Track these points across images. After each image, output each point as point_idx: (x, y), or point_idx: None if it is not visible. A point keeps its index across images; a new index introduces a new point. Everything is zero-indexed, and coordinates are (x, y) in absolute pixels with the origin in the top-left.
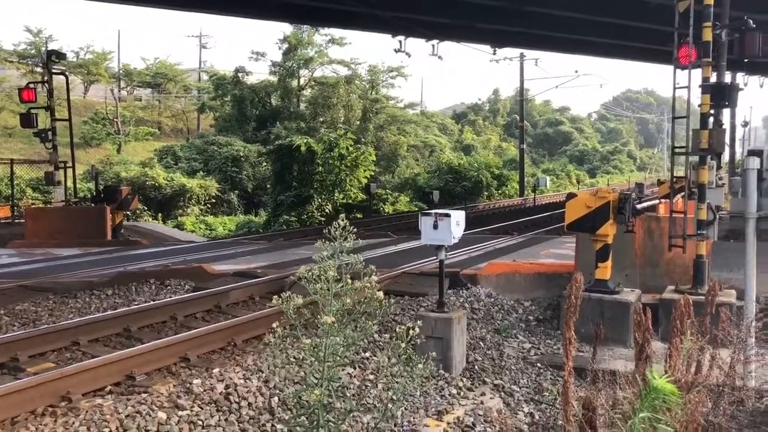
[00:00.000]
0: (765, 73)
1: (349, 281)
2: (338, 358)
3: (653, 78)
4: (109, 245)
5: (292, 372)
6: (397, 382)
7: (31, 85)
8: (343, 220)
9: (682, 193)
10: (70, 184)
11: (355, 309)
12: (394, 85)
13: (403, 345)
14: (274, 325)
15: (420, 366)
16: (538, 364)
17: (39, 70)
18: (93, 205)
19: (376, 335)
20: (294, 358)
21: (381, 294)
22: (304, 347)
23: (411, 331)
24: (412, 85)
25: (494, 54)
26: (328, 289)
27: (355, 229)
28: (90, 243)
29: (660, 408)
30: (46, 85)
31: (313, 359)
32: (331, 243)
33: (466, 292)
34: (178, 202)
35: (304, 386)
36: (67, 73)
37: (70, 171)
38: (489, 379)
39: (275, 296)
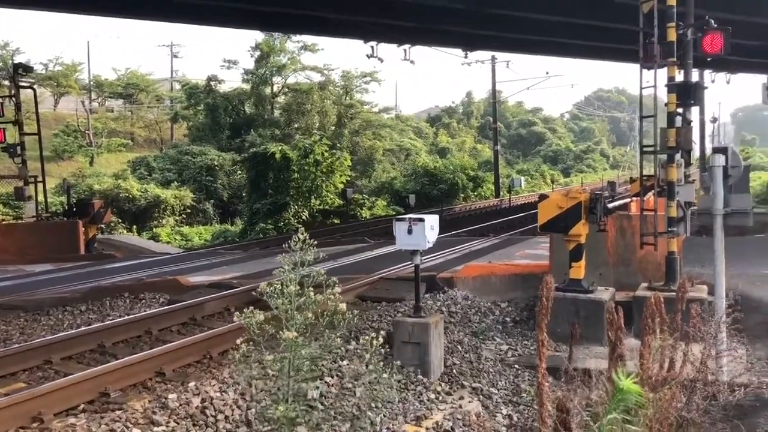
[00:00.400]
0: (731, 70)
1: (312, 295)
2: (303, 373)
3: (624, 77)
4: (82, 260)
5: (269, 384)
6: (375, 389)
7: None
8: (302, 233)
9: (653, 191)
10: (41, 198)
11: (319, 322)
12: (368, 90)
13: (368, 356)
14: (238, 341)
15: (385, 375)
16: (516, 366)
17: (6, 83)
18: (65, 219)
19: (354, 343)
20: (271, 369)
21: (344, 306)
22: (268, 363)
23: (375, 341)
24: (386, 89)
25: (466, 57)
26: (290, 303)
27: (315, 242)
28: (62, 258)
29: (632, 407)
30: (14, 99)
31: (278, 374)
32: (292, 256)
33: (443, 295)
34: (153, 213)
35: (270, 402)
36: (35, 86)
37: (40, 185)
38: (467, 382)
39: (236, 313)
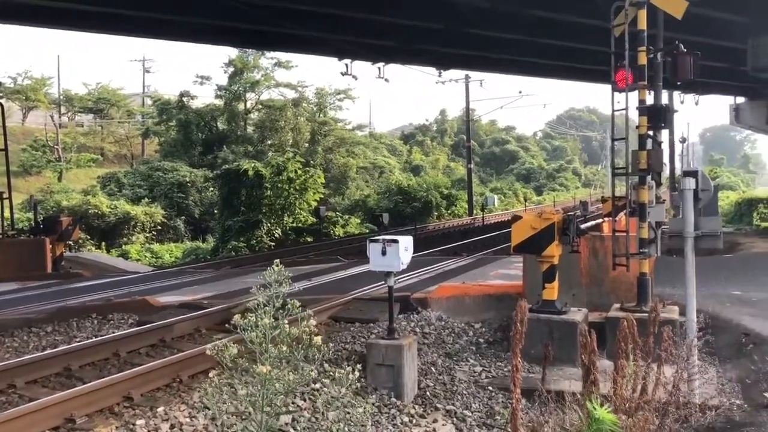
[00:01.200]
0: (700, 92)
1: (287, 327)
2: (276, 407)
3: (595, 97)
4: (49, 278)
5: (240, 408)
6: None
7: None
8: (278, 265)
9: (624, 211)
10: (7, 215)
11: (293, 355)
12: (342, 108)
13: (343, 390)
14: (211, 374)
15: (360, 410)
16: (490, 387)
17: None
18: (32, 236)
19: (326, 365)
20: (242, 405)
21: (319, 339)
22: (240, 398)
23: (351, 376)
24: (360, 107)
25: (440, 76)
26: (264, 336)
27: (290, 274)
28: (29, 277)
29: None
30: None
31: (250, 409)
32: (267, 287)
33: (416, 316)
34: (123, 230)
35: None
36: (2, 101)
37: (6, 201)
38: (441, 404)
39: (208, 346)
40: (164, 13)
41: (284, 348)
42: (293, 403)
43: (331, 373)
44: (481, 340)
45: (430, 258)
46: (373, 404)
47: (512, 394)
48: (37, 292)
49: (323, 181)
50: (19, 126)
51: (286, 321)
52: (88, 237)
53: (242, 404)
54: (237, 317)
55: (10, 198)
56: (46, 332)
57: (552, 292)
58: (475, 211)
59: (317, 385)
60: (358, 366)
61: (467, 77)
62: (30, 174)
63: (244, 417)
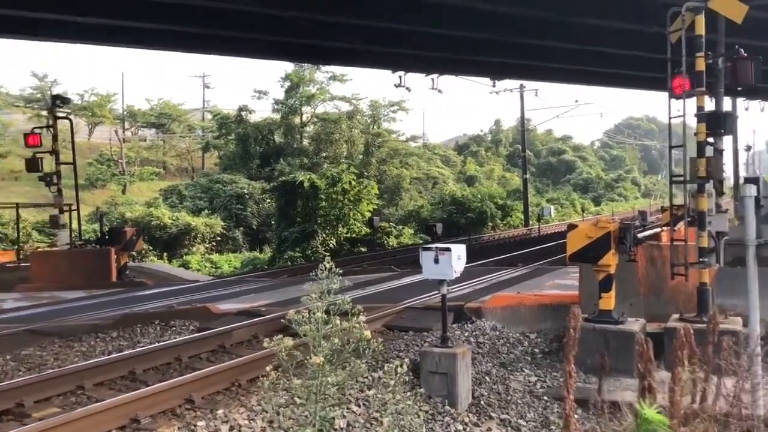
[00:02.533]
0: (765, 98)
1: (338, 322)
2: (330, 398)
3: (655, 105)
4: (114, 287)
5: (297, 412)
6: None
7: (37, 130)
8: (329, 262)
9: (684, 221)
10: (75, 226)
11: (345, 349)
12: (395, 119)
13: (392, 383)
14: (267, 368)
15: (409, 402)
16: (545, 398)
17: (44, 114)
18: (98, 246)
19: (380, 372)
20: (298, 398)
21: (368, 333)
22: (295, 388)
23: (399, 369)
24: (413, 118)
25: (494, 86)
26: (317, 330)
27: (341, 270)
28: (95, 285)
29: None
30: (51, 129)
31: (306, 399)
32: (319, 284)
33: (470, 325)
34: (183, 241)
35: (299, 426)
36: (71, 117)
37: (75, 213)
38: (495, 413)
39: (266, 339)
40: (228, 31)
41: (336, 341)
42: (348, 408)
43: (385, 380)
44: (537, 351)
45: (484, 268)
46: (426, 411)
47: (565, 401)
48: (103, 299)
49: (377, 192)
50: (86, 141)
51: (337, 317)
52: (151, 248)
53: (298, 395)
54: (292, 312)
55: (78, 210)
56: (111, 337)
57: (608, 301)
58: (531, 222)
59: (371, 392)
60: (406, 360)
61: (522, 87)
62: (96, 187)
63: (299, 406)
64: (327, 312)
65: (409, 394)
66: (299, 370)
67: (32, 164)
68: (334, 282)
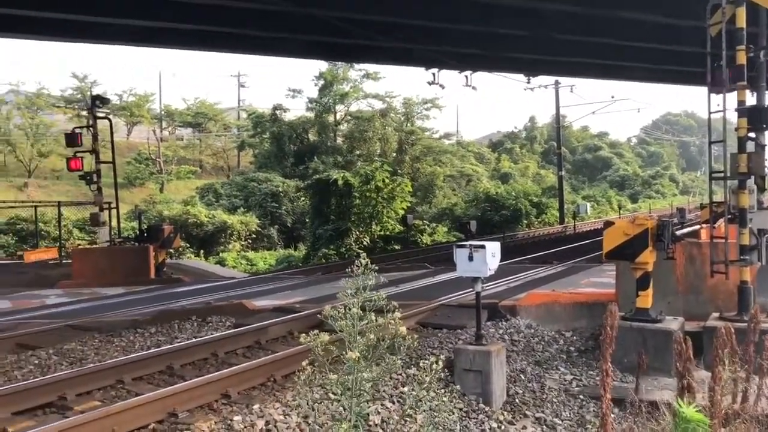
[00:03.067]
0: None
1: (373, 318)
2: (365, 393)
3: (693, 100)
4: (152, 283)
5: (331, 408)
6: (436, 416)
7: (77, 130)
8: (364, 258)
9: (724, 218)
10: (114, 224)
11: (380, 345)
12: (429, 117)
13: (428, 379)
14: (303, 363)
15: (445, 399)
16: (581, 396)
17: (84, 114)
18: (137, 244)
19: (414, 369)
20: (333, 393)
21: (404, 330)
22: (332, 383)
23: (435, 366)
24: (447, 115)
25: (528, 82)
26: (353, 326)
27: (376, 267)
28: (134, 282)
29: None
30: (91, 129)
31: (341, 394)
32: (354, 280)
33: (505, 323)
34: (220, 238)
35: (333, 422)
36: (110, 117)
37: (114, 211)
38: (530, 412)
39: (302, 335)
40: (263, 31)
41: (371, 336)
42: (382, 404)
43: (419, 377)
44: (572, 349)
45: (518, 266)
46: (460, 409)
47: (602, 399)
48: (141, 295)
49: (410, 190)
50: (124, 140)
51: (372, 313)
52: (188, 245)
53: (333, 389)
54: (328, 308)
55: (117, 208)
56: (150, 333)
57: (646, 300)
58: (566, 220)
59: (405, 389)
60: (442, 357)
61: (557, 83)
62: (134, 185)
63: (334, 401)
64: (363, 308)
65: (443, 391)
66: (334, 365)
67: (73, 163)
68: (370, 278)
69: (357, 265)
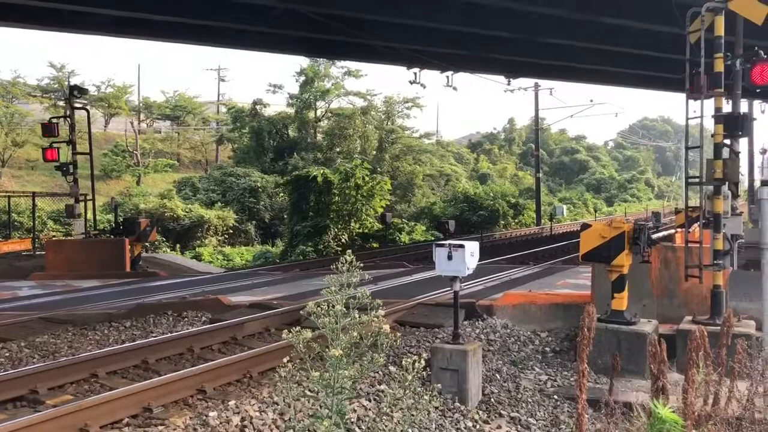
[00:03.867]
0: None
1: (357, 315)
2: (346, 391)
3: (670, 106)
4: (127, 277)
5: (307, 405)
6: (413, 415)
7: (54, 120)
8: (350, 255)
9: (698, 223)
10: (90, 216)
11: (363, 342)
12: (409, 116)
13: (410, 377)
14: (285, 359)
15: (426, 398)
16: (555, 396)
17: (62, 104)
18: (112, 237)
19: (391, 367)
20: (309, 391)
21: (387, 327)
22: (313, 380)
23: (416, 364)
24: (427, 115)
25: (509, 84)
26: (336, 323)
27: (361, 264)
28: (109, 275)
29: None
30: (68, 119)
31: (322, 392)
32: (339, 277)
33: (482, 323)
34: (196, 233)
35: (314, 419)
36: (88, 108)
37: (90, 203)
38: (505, 411)
39: (284, 331)
40: (244, 24)
41: (355, 334)
42: (359, 402)
43: (396, 376)
44: (548, 349)
45: (495, 266)
46: (436, 408)
47: (578, 400)
48: (116, 289)
49: (390, 188)
50: (102, 132)
51: (355, 311)
52: (164, 239)
53: (315, 387)
54: (311, 304)
55: (93, 200)
56: (125, 327)
57: (621, 302)
58: (543, 221)
59: (382, 387)
60: (424, 355)
61: (537, 85)
62: (110, 178)
63: (316, 399)
64: (346, 306)
65: (420, 390)
66: (314, 362)
67: (49, 154)
68: (354, 276)
69: (342, 262)
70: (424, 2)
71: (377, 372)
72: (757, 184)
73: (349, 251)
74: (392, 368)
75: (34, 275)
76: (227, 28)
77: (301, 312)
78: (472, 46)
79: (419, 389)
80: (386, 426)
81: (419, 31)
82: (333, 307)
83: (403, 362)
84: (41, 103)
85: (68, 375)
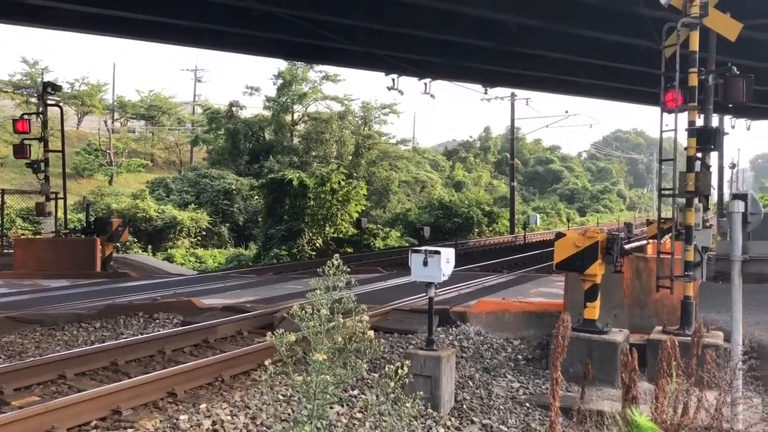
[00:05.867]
0: (752, 116)
1: (341, 320)
2: (327, 396)
3: (643, 119)
4: (98, 277)
5: (280, 409)
6: (384, 421)
7: (26, 116)
8: (337, 259)
9: (670, 234)
10: (60, 214)
11: (346, 347)
12: (386, 122)
13: (392, 384)
14: (266, 362)
15: (408, 405)
16: (527, 404)
17: (34, 100)
18: (83, 236)
19: (365, 373)
20: (282, 395)
21: (372, 333)
22: (295, 384)
23: (400, 370)
24: (404, 121)
25: (486, 93)
26: (321, 326)
27: (348, 269)
28: (79, 274)
29: None
30: (41, 116)
31: (303, 396)
32: (324, 280)
33: (455, 329)
34: (169, 234)
35: (292, 424)
36: (61, 105)
37: (61, 202)
38: (477, 418)
39: (268, 333)
40: (222, 26)
41: (339, 339)
42: (331, 407)
43: (369, 381)
44: (520, 357)
45: (470, 273)
46: (407, 414)
47: (551, 407)
48: (86, 289)
49: (365, 194)
50: (74, 130)
51: (340, 315)
52: (135, 240)
53: (289, 392)
54: (296, 306)
55: (64, 198)
56: (94, 328)
57: (593, 311)
58: (516, 230)
59: (355, 392)
60: (407, 362)
61: (513, 95)
62: (82, 176)
63: (288, 404)
64: (330, 310)
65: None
66: (296, 367)
67: (20, 150)
68: (341, 279)
69: (329, 266)
70: (401, 9)
71: (352, 377)
72: (726, 197)
73: (337, 255)
74: (364, 374)
75: (2, 274)
76: (205, 29)
77: (281, 313)
78: (451, 54)
79: (402, 396)
80: (359, 431)
81: (398, 38)
82: (318, 310)
83: (386, 369)
84: (12, 99)
85: (35, 376)
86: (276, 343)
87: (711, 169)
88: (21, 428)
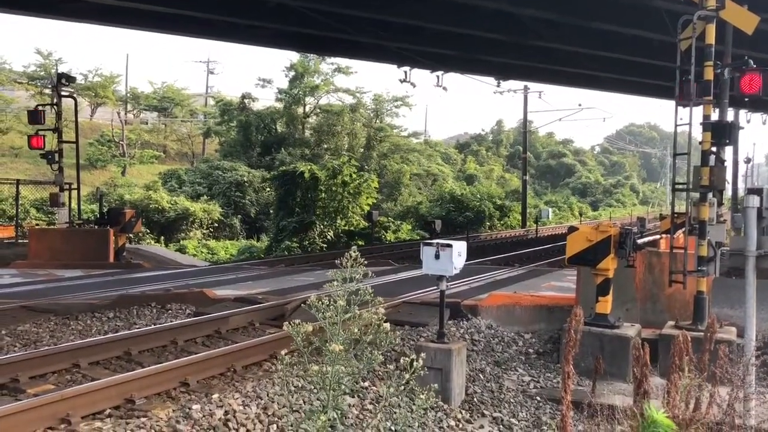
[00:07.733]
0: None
1: (357, 311)
2: (342, 387)
3: (656, 112)
4: (111, 268)
5: (292, 400)
6: (395, 412)
7: (40, 108)
8: (355, 251)
9: (683, 229)
10: (74, 205)
11: (361, 338)
12: (398, 114)
13: (407, 376)
14: (282, 352)
15: (422, 397)
16: (538, 398)
17: (48, 91)
18: (96, 227)
19: (376, 365)
20: (294, 386)
21: (387, 325)
22: (311, 375)
23: (415, 363)
24: (416, 114)
25: (498, 86)
26: (338, 316)
27: (365, 261)
28: (92, 265)
29: None
30: (55, 107)
31: (319, 387)
32: (342, 272)
33: (466, 323)
34: (181, 225)
35: (306, 414)
36: (75, 96)
37: (75, 192)
38: (488, 411)
39: (285, 323)
40: (233, 17)
41: (355, 330)
42: (342, 399)
43: (379, 373)
44: (531, 351)
45: (481, 267)
46: (420, 406)
47: (563, 401)
48: (100, 279)
49: (377, 186)
50: (88, 121)
51: (356, 306)
52: (148, 231)
53: (309, 382)
54: (313, 296)
55: (78, 189)
56: (108, 318)
57: (605, 305)
58: (528, 224)
59: (366, 384)
60: (423, 355)
61: (526, 88)
62: (95, 167)
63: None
64: (347, 302)
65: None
66: (313, 357)
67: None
68: (358, 271)
69: (347, 258)
70: (415, 1)
71: (366, 369)
72: (740, 192)
73: (354, 246)
74: (376, 366)
75: (16, 263)
76: (219, 21)
77: (286, 307)
78: (464, 47)
79: (417, 389)
80: (370, 423)
81: (411, 30)
82: (335, 301)
83: (401, 361)
84: (27, 90)
85: (50, 364)
86: (293, 333)
87: (726, 164)
88: (36, 416)
